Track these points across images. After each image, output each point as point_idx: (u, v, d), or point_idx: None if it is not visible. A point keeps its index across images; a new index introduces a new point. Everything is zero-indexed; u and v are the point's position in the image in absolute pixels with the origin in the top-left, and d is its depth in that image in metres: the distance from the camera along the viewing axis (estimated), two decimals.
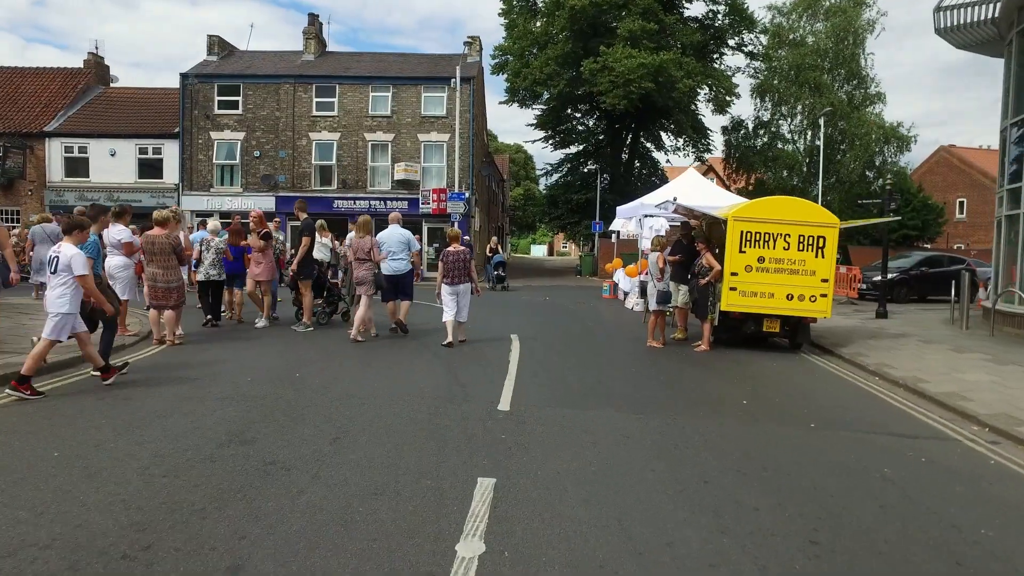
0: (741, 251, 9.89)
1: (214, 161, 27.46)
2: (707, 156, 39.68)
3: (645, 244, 14.91)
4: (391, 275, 10.41)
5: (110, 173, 27.48)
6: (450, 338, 9.70)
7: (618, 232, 26.35)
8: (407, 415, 5.94)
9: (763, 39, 38.80)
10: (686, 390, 7.61)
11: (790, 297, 9.89)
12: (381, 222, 11.75)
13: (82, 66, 31.24)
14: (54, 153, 27.62)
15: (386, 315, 10.92)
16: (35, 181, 27.71)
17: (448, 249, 10.05)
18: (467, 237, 25.84)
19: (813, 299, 9.89)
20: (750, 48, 39.03)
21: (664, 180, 39.84)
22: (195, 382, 7.01)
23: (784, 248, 9.84)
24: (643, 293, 15.86)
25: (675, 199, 10.92)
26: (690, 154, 39.30)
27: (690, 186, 16.20)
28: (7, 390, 6.01)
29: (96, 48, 31.78)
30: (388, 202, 26.84)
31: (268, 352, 9.03)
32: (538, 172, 41.82)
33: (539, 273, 36.65)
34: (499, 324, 12.56)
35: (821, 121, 31.10)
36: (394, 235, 10.66)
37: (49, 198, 27.26)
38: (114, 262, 8.96)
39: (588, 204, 37.38)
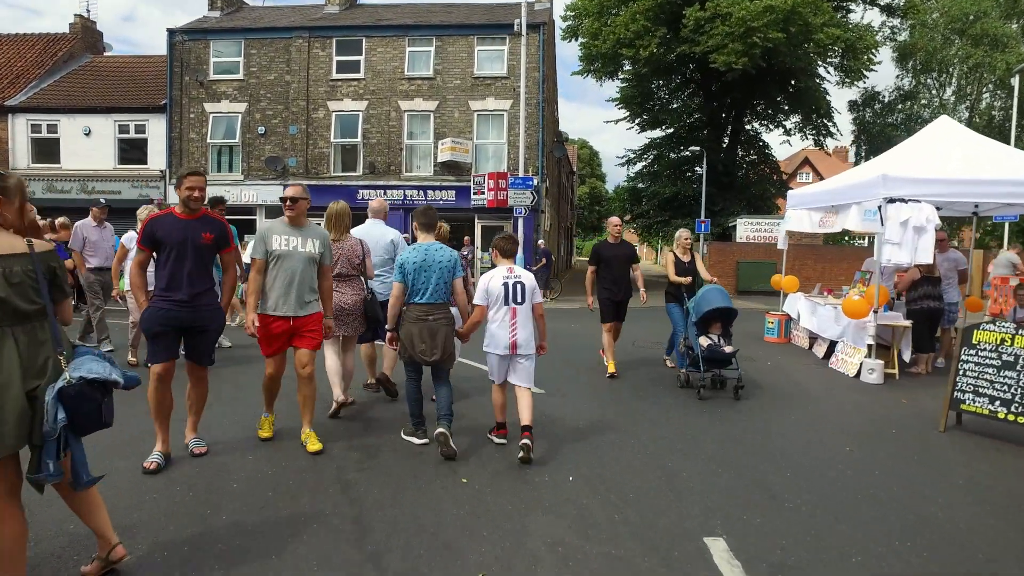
0: None
1: (209, 140, 21.31)
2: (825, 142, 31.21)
3: (893, 255, 7.54)
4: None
5: (84, 158, 21.77)
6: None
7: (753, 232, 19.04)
8: None
9: None
10: None
11: None
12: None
13: (68, 31, 25.81)
14: (19, 133, 22.10)
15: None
16: None
17: None
18: (541, 242, 18.96)
19: None
20: (887, 1, 30.74)
21: (777, 169, 31.87)
22: None
23: None
24: (876, 352, 8.56)
25: None
26: (808, 136, 31.13)
27: (952, 143, 8.77)
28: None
29: (88, 12, 26.34)
30: (429, 192, 20.17)
31: None
32: (617, 160, 34.17)
33: None
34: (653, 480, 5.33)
35: (1015, 81, 22.78)
36: (373, 234, 6.05)
37: None
38: None
39: (679, 199, 29.83)
